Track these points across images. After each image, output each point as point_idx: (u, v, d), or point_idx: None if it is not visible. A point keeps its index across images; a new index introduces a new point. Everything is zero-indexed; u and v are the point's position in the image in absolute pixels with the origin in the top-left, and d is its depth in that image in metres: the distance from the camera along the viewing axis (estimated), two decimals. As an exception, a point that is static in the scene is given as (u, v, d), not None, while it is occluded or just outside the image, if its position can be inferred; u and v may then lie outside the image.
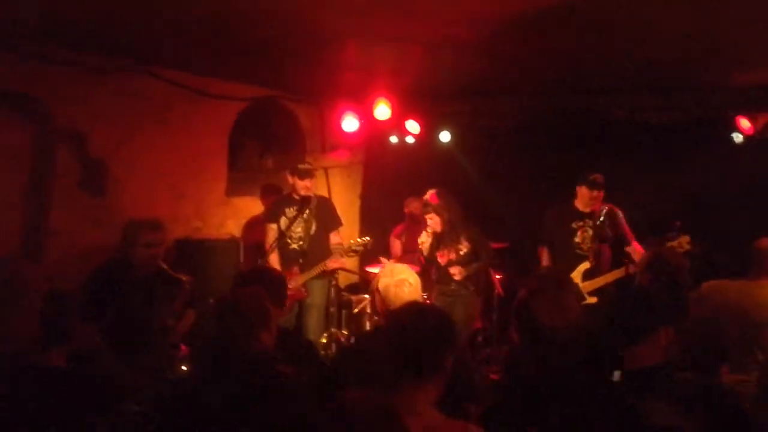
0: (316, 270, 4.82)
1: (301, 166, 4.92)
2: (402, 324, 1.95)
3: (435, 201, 4.80)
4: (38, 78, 4.36)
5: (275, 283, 2.93)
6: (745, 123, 4.98)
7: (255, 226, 5.89)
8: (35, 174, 4.57)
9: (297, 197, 4.89)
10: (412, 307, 2.11)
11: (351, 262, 5.85)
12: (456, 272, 4.75)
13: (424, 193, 4.88)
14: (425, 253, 4.88)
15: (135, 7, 3.45)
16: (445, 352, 1.89)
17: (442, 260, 4.84)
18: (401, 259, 5.81)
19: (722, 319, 3.24)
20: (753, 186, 5.03)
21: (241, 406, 2.11)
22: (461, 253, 4.81)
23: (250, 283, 2.71)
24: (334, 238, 5.04)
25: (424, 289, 5.31)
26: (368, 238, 4.98)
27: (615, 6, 3.22)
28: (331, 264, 4.82)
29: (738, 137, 5.11)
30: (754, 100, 4.91)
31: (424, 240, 4.86)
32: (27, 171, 4.54)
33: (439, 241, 4.84)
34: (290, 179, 4.96)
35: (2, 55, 4.11)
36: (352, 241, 4.94)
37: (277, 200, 5.26)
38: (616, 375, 2.32)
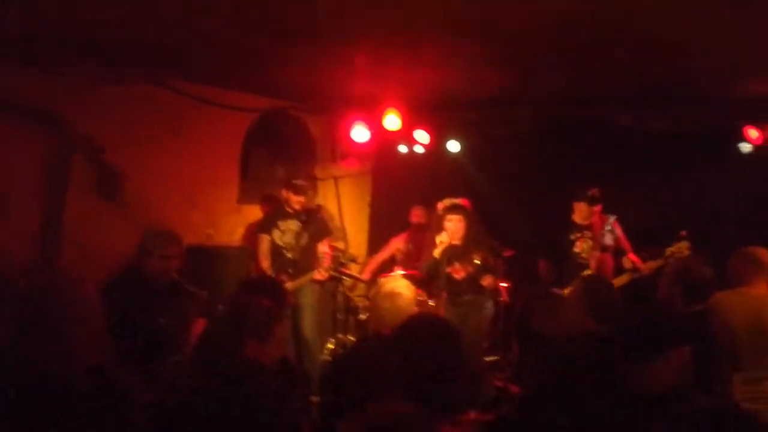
0: (305, 279, 5.06)
1: (295, 182, 5.23)
2: (409, 347, 1.94)
3: (467, 205, 4.74)
4: (55, 88, 4.45)
5: (278, 292, 3.03)
6: (753, 133, 4.99)
7: (252, 233, 5.99)
8: (52, 182, 4.66)
9: (290, 210, 5.18)
10: (419, 328, 2.06)
11: (354, 269, 5.92)
12: (489, 281, 4.69)
13: (432, 203, 4.88)
14: (437, 254, 4.65)
15: (149, 19, 3.53)
16: (454, 378, 1.90)
17: (457, 275, 4.74)
18: (404, 264, 5.85)
19: (736, 332, 3.27)
20: (760, 195, 5.03)
21: (223, 414, 2.10)
22: (476, 263, 4.70)
23: (254, 292, 2.76)
24: (321, 248, 5.26)
25: (429, 295, 5.40)
26: (354, 254, 5.41)
27: (623, 18, 3.26)
28: (317, 276, 5.03)
29: (746, 147, 5.12)
30: (762, 109, 4.91)
31: (444, 240, 4.64)
32: (44, 179, 4.62)
33: (451, 254, 4.71)
34: (284, 193, 5.23)
35: (20, 67, 4.22)
36: (339, 255, 5.31)
37: (271, 212, 5.50)
38: None
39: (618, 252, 4.75)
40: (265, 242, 5.25)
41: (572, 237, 4.85)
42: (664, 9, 3.09)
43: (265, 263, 5.17)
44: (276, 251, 5.21)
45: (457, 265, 4.73)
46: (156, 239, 3.52)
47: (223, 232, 5.72)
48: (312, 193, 5.45)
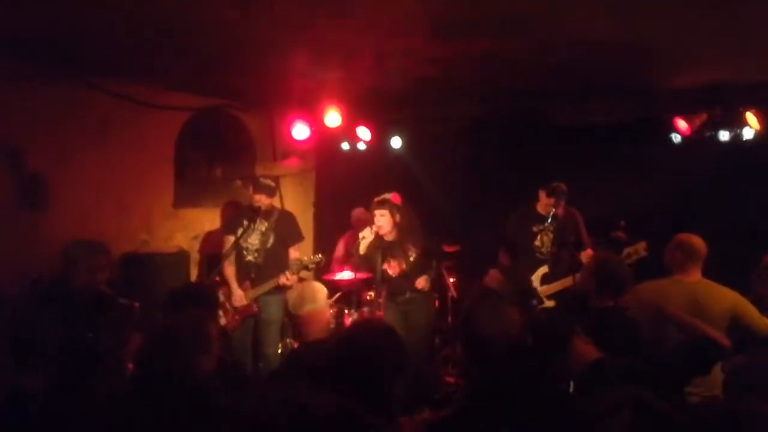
0: (268, 285, 4.73)
1: (262, 181, 4.82)
2: (348, 356, 1.90)
3: (397, 201, 4.68)
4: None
5: (208, 297, 2.95)
6: (682, 124, 5.16)
7: (209, 238, 5.81)
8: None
9: (255, 208, 4.78)
10: (358, 334, 2.04)
11: (308, 275, 5.79)
12: (423, 284, 4.63)
13: (372, 202, 4.79)
14: (361, 250, 4.68)
15: (73, 15, 3.34)
16: (394, 382, 1.87)
17: (392, 271, 4.73)
18: (345, 264, 5.80)
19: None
20: (691, 183, 5.21)
21: None
22: (411, 259, 4.68)
23: (183, 305, 2.67)
24: (293, 253, 4.93)
25: (378, 296, 5.38)
26: (320, 256, 4.94)
27: (550, 19, 3.32)
28: (283, 281, 4.70)
29: (676, 137, 5.30)
30: (690, 101, 5.09)
31: (366, 236, 4.65)
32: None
33: (386, 251, 4.72)
34: (251, 192, 4.90)
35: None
36: (305, 258, 4.87)
37: (236, 212, 5.17)
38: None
39: (578, 245, 4.74)
40: (229, 243, 4.80)
41: (534, 229, 4.80)
42: (584, 10, 3.16)
43: (229, 269, 4.76)
44: (238, 253, 4.78)
45: (392, 262, 4.69)
46: (80, 250, 3.30)
47: (159, 237, 5.50)
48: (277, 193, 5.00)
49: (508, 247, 4.97)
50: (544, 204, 4.75)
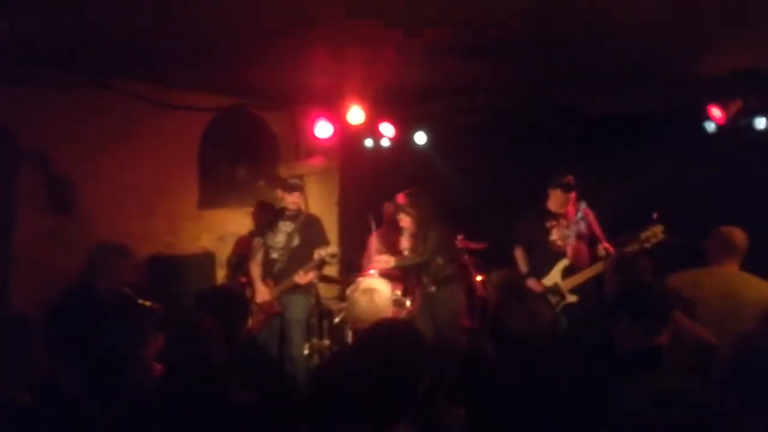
0: (285, 285, 4.75)
1: (292, 181, 4.91)
2: (367, 359, 1.92)
3: (402, 201, 4.81)
4: (-4, 98, 4.22)
5: (234, 302, 2.99)
6: (716, 112, 4.98)
7: (239, 240, 5.86)
8: (-1, 198, 4.42)
9: (288, 212, 4.88)
10: (376, 339, 2.03)
11: (330, 270, 5.76)
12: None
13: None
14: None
15: (92, 21, 3.36)
16: (415, 385, 1.85)
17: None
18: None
19: (703, 308, 3.27)
20: (726, 174, 5.04)
21: None
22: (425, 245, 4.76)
23: (204, 306, 2.74)
24: (317, 255, 4.90)
25: (405, 293, 5.33)
26: (336, 249, 4.88)
27: (585, 9, 3.23)
28: (297, 279, 4.71)
29: (710, 126, 5.13)
30: (724, 88, 4.92)
31: (406, 246, 4.85)
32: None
33: (414, 240, 4.82)
34: (279, 194, 4.95)
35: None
36: (322, 252, 4.77)
37: (265, 214, 5.31)
38: None
39: (592, 240, 4.69)
40: (257, 246, 4.90)
41: (548, 225, 4.78)
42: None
43: (255, 269, 4.84)
44: (265, 253, 4.87)
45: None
46: (106, 253, 3.34)
47: (184, 239, 5.53)
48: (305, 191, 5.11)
49: (523, 245, 4.91)
50: (561, 201, 4.72)
